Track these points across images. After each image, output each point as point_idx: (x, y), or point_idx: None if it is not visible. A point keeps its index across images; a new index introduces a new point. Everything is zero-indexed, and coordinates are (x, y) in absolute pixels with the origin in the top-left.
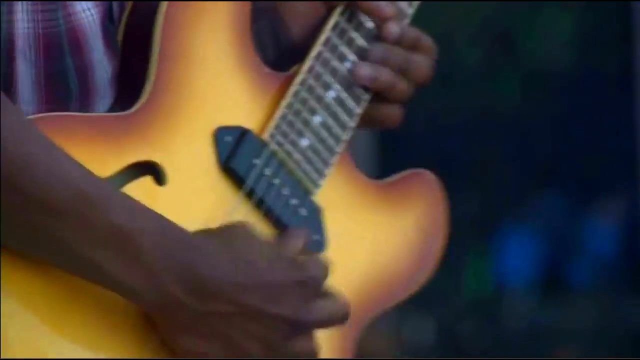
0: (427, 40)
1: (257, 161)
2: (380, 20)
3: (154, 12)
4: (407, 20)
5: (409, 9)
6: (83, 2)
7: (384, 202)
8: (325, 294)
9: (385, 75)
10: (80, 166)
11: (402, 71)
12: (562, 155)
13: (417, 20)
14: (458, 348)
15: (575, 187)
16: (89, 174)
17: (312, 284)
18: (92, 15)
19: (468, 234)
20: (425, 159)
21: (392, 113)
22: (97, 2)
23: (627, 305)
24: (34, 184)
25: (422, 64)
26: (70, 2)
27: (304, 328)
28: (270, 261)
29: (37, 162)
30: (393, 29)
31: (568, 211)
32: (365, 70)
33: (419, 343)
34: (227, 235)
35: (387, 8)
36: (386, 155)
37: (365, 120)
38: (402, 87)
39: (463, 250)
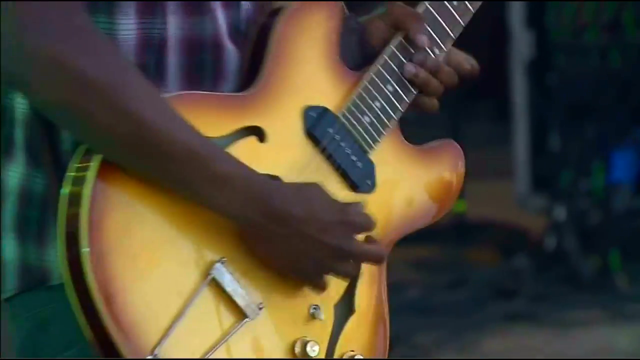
0: (469, 63)
1: (331, 130)
2: (421, 49)
3: (272, 27)
4: (455, 35)
5: (461, 26)
6: (220, 16)
7: (419, 161)
8: (367, 238)
9: (422, 73)
10: (194, 129)
11: (435, 74)
12: None
13: None
14: (581, 222)
15: None
16: (200, 134)
17: (354, 225)
18: (221, 24)
19: (593, 153)
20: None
21: (430, 103)
22: (227, 13)
23: None
24: (163, 140)
25: (450, 73)
26: (212, 16)
27: (345, 255)
28: (327, 206)
29: (162, 123)
30: (425, 42)
31: None
32: (409, 67)
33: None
34: (300, 185)
35: (423, 42)
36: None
37: (414, 106)
38: (435, 84)
39: (590, 163)
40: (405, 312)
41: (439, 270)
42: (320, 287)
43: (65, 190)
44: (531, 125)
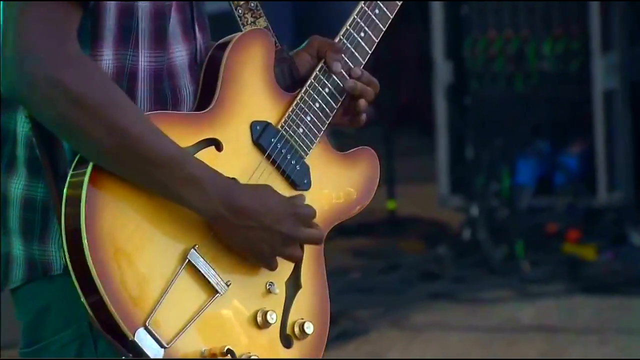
0: (375, 80)
1: (273, 140)
2: (334, 74)
3: (221, 57)
4: (364, 61)
5: (369, 54)
6: (177, 49)
7: (344, 164)
8: (311, 225)
9: (359, 85)
10: (170, 140)
11: (368, 84)
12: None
13: None
14: (491, 218)
15: (552, 136)
16: (175, 143)
17: (302, 217)
18: (182, 57)
19: (501, 161)
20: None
21: (359, 119)
22: (187, 48)
23: (582, 197)
24: (146, 149)
25: (371, 93)
26: (171, 51)
27: (294, 241)
28: (278, 201)
29: (145, 136)
30: (355, 73)
31: (550, 149)
32: (349, 83)
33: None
34: (255, 185)
35: (337, 68)
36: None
37: (341, 123)
38: (370, 93)
39: (498, 169)
40: (347, 292)
41: (375, 257)
42: (273, 267)
43: (65, 192)
44: (450, 138)
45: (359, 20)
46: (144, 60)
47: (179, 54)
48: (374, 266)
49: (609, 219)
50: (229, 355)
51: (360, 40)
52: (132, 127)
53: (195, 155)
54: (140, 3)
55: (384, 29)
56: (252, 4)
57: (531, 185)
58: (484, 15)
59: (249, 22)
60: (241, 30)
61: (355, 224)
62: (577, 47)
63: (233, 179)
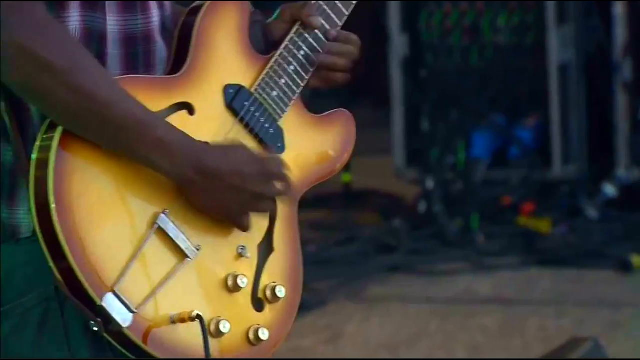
0: (354, 37)
1: (246, 103)
2: (316, 28)
3: (194, 22)
4: (342, 23)
5: (345, 16)
6: (149, 14)
7: (319, 126)
8: (281, 178)
9: (329, 59)
10: (139, 103)
11: (340, 55)
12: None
13: None
14: (446, 190)
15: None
16: (144, 106)
17: (271, 174)
18: (155, 22)
19: (456, 134)
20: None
21: (339, 77)
22: (159, 14)
23: (537, 170)
24: (114, 113)
25: (352, 50)
26: (145, 14)
27: (264, 196)
28: (248, 160)
29: (113, 99)
30: (331, 34)
31: (505, 123)
32: (321, 57)
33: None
34: (225, 146)
35: (317, 22)
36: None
37: (322, 81)
38: (341, 63)
39: (454, 142)
40: (305, 264)
41: (331, 230)
42: (245, 227)
43: (34, 157)
44: (406, 111)
45: None
46: (113, 23)
47: (153, 19)
48: (330, 239)
49: (564, 192)
50: (197, 320)
51: (337, 2)
52: (99, 91)
53: (167, 119)
54: None
55: None
56: None
57: (486, 158)
58: None
59: None
60: None
61: (310, 197)
62: (533, 20)
63: (205, 142)
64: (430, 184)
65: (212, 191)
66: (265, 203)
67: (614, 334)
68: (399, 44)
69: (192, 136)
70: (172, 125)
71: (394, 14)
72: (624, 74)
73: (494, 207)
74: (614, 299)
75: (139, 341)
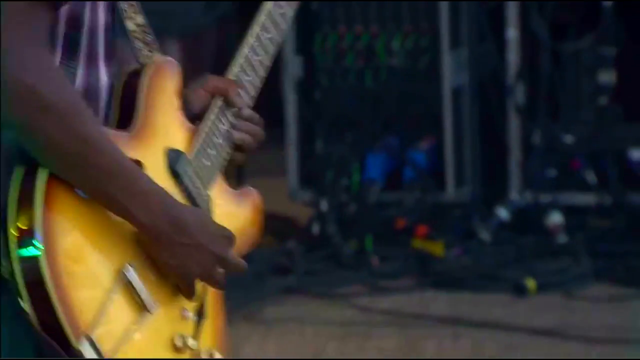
0: (258, 116)
1: (187, 169)
2: (238, 107)
3: (138, 82)
4: (252, 102)
5: (255, 94)
6: (102, 70)
7: (236, 200)
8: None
9: (247, 138)
10: (124, 154)
11: (250, 134)
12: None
13: None
14: (341, 212)
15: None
16: (128, 158)
17: (230, 238)
18: (105, 79)
19: (351, 156)
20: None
21: (240, 157)
22: (108, 71)
23: (431, 193)
24: (104, 159)
25: (259, 131)
26: (97, 71)
27: (224, 263)
28: (211, 222)
29: (105, 146)
30: (246, 112)
31: (399, 145)
32: (238, 135)
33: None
34: (193, 208)
35: (241, 102)
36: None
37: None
38: (249, 142)
39: (348, 164)
40: None
41: None
42: (192, 291)
43: (13, 205)
44: (300, 132)
45: (244, 63)
46: (81, 75)
47: (102, 76)
48: None
49: (457, 214)
50: None
51: (248, 81)
52: (93, 137)
53: None
54: (85, 18)
55: (268, 67)
56: (149, 38)
57: (380, 180)
58: (334, 10)
59: (146, 53)
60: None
61: None
62: (427, 44)
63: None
64: (324, 205)
65: (180, 246)
66: (224, 271)
67: (511, 357)
68: (293, 65)
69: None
70: (152, 179)
71: (288, 36)
72: (517, 98)
73: (388, 229)
74: (509, 322)
75: None
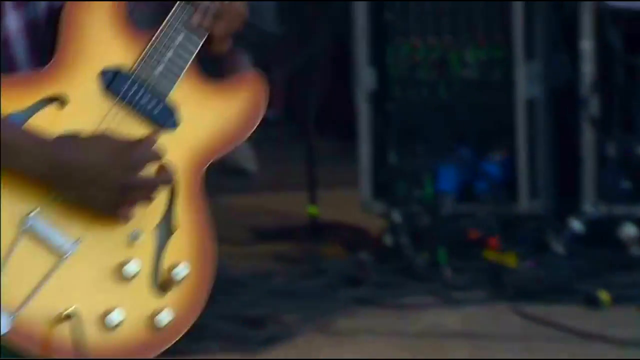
0: (235, 4)
1: (126, 84)
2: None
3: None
4: None
5: None
6: (9, 17)
7: (222, 93)
8: (150, 162)
9: (207, 21)
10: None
11: (219, 17)
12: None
13: None
14: (413, 224)
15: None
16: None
17: (135, 163)
18: (14, 24)
19: (423, 167)
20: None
21: (220, 45)
22: (21, 13)
23: (504, 204)
24: None
25: (233, 16)
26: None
27: (130, 186)
28: (106, 152)
29: None
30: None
31: (472, 157)
32: (195, 18)
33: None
34: (84, 138)
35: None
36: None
37: (209, 50)
38: (221, 26)
39: (420, 175)
40: (272, 296)
41: (297, 262)
42: (124, 217)
43: None
44: (373, 143)
45: None
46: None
47: (11, 23)
48: (295, 271)
49: (530, 226)
50: (71, 318)
51: None
52: None
53: (34, 117)
54: None
55: None
56: None
57: (453, 192)
58: (407, 22)
59: None
60: None
61: (275, 229)
62: (501, 55)
63: (73, 135)
64: (397, 217)
65: (73, 187)
66: (138, 192)
67: None
68: (366, 77)
69: (62, 130)
70: (16, 125)
71: (360, 47)
72: (590, 110)
73: (461, 241)
74: (583, 335)
75: (22, 344)
